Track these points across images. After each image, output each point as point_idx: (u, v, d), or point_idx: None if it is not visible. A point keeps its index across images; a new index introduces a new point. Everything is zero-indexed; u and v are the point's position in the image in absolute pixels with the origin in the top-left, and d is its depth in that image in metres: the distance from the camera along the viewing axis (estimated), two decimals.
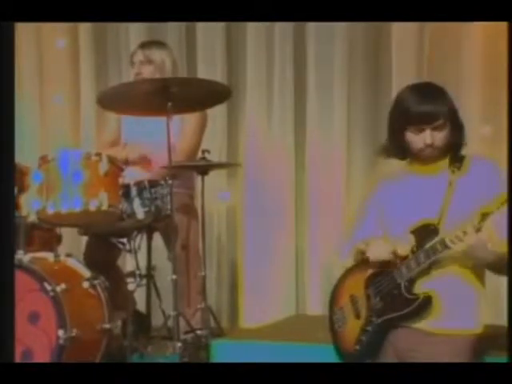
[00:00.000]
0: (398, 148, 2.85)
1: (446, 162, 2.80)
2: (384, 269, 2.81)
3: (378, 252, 2.82)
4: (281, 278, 4.79)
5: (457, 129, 2.78)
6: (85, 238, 4.12)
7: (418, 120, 2.74)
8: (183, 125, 4.04)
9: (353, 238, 3.05)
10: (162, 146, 3.57)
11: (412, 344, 2.72)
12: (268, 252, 4.78)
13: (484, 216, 2.52)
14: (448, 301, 2.69)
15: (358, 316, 2.91)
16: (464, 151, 2.84)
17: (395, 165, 2.99)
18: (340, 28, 4.64)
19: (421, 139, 2.75)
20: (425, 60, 4.46)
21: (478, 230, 2.53)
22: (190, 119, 4.03)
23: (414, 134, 2.76)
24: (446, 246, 2.61)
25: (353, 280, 2.97)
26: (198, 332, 3.66)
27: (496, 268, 2.70)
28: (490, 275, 2.79)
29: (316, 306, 4.70)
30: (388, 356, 2.79)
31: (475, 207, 2.55)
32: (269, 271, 4.77)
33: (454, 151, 2.81)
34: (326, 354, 3.06)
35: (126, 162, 3.79)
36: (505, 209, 2.50)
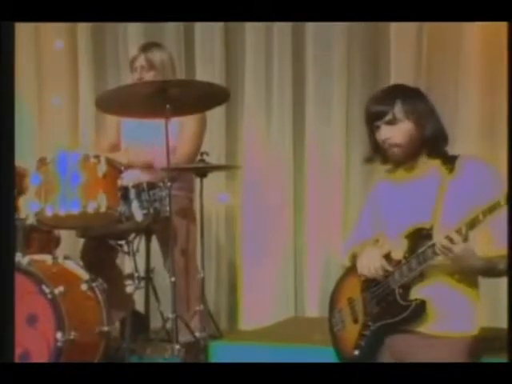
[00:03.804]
0: (376, 152, 2.86)
1: (437, 163, 2.79)
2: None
3: (366, 264, 2.82)
4: (279, 280, 4.79)
5: (426, 127, 2.76)
6: (83, 240, 4.11)
7: (372, 117, 2.79)
8: (183, 127, 4.04)
9: (350, 240, 3.07)
10: (161, 149, 3.57)
11: (409, 347, 2.71)
12: (267, 254, 4.77)
13: (471, 225, 2.50)
14: (442, 306, 2.67)
15: (355, 320, 2.90)
16: (455, 152, 2.82)
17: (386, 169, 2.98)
18: (339, 28, 4.63)
19: (380, 137, 2.78)
20: (423, 60, 4.45)
21: (466, 239, 2.51)
22: (190, 122, 4.03)
23: (376, 133, 2.80)
24: (435, 254, 2.60)
25: (351, 282, 2.96)
26: (197, 334, 3.66)
27: (486, 273, 2.68)
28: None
29: (314, 308, 4.70)
30: (386, 360, 2.78)
31: (468, 210, 2.54)
32: (267, 273, 4.77)
33: (433, 150, 2.79)
34: (324, 356, 3.06)
35: (128, 166, 3.79)
36: (492, 218, 2.48)
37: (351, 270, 2.97)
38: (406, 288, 2.71)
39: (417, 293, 2.70)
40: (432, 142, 2.78)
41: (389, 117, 2.75)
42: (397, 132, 2.75)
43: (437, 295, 2.68)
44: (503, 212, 2.45)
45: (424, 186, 2.78)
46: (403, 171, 2.85)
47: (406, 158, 2.80)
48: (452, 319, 2.69)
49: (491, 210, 2.47)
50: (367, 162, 2.93)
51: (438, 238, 2.58)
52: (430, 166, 2.80)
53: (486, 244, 2.59)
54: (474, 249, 2.56)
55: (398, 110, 2.75)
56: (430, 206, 2.70)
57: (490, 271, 2.64)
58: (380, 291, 2.79)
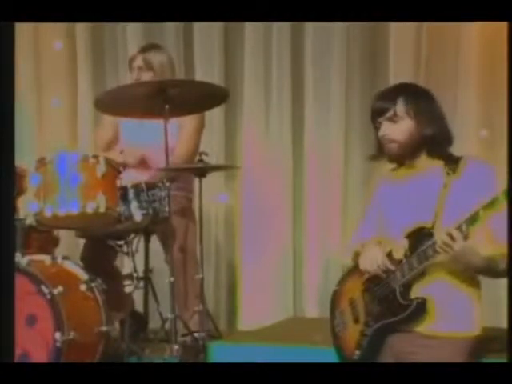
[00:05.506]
0: (380, 150, 2.87)
1: (440, 163, 2.79)
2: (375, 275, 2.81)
3: (369, 260, 2.82)
4: (279, 281, 4.78)
5: (428, 126, 2.76)
6: (82, 241, 4.11)
7: (376, 114, 2.82)
8: (181, 127, 4.03)
9: (354, 239, 3.06)
10: (160, 149, 3.56)
11: (410, 347, 2.71)
12: (266, 254, 4.77)
13: (472, 223, 2.50)
14: (442, 306, 2.68)
15: (356, 320, 2.90)
16: (455, 151, 2.83)
17: (390, 167, 2.99)
18: (338, 28, 4.63)
19: (380, 133, 2.81)
20: (422, 60, 4.45)
21: (466, 236, 2.50)
22: (188, 122, 4.02)
23: (379, 130, 2.82)
24: (436, 252, 2.59)
25: (352, 283, 2.97)
26: (196, 335, 3.65)
27: (487, 272, 2.68)
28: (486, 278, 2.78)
29: (314, 309, 4.69)
30: (387, 360, 2.78)
31: (469, 210, 2.53)
32: (267, 273, 4.76)
33: (435, 150, 2.80)
34: (323, 357, 3.06)
35: (125, 166, 3.78)
36: (492, 215, 2.47)
37: (353, 270, 2.97)
38: (407, 287, 2.71)
39: (418, 292, 2.70)
40: (434, 142, 2.78)
41: (390, 113, 2.77)
42: (396, 129, 2.77)
43: (438, 294, 2.68)
44: (503, 209, 2.44)
45: (426, 186, 2.78)
46: (405, 170, 2.86)
47: (405, 155, 2.80)
48: (453, 319, 2.69)
49: (491, 206, 2.46)
50: (371, 160, 2.94)
51: (439, 236, 2.58)
52: (432, 166, 2.80)
53: (487, 242, 2.58)
54: (474, 247, 2.55)
55: (400, 107, 2.77)
56: (432, 205, 2.70)
57: (491, 270, 2.63)
58: (381, 290, 2.79)
